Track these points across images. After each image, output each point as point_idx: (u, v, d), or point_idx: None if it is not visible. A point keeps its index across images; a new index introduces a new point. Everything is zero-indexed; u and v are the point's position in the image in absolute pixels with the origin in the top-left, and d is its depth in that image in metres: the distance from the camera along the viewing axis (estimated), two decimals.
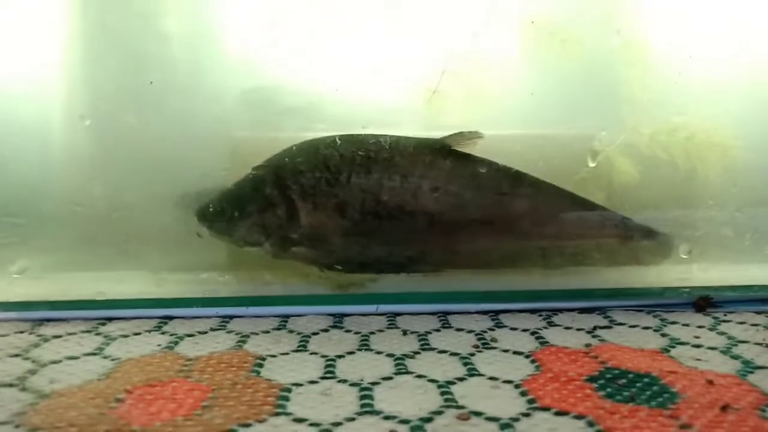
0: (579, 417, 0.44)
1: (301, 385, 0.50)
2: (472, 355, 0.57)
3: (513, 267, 0.73)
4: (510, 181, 0.71)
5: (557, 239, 0.72)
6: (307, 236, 0.68)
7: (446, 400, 0.47)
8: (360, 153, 0.68)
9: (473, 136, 0.68)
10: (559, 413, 0.45)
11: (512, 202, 0.71)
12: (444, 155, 0.69)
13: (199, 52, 0.80)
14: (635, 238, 0.73)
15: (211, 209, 0.70)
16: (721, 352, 0.57)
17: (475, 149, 0.69)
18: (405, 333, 0.63)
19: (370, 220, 0.68)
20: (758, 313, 0.68)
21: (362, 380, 0.51)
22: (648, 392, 0.48)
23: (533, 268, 0.73)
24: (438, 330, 0.63)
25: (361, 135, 0.70)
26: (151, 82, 0.73)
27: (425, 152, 0.69)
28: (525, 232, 0.72)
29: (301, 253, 0.70)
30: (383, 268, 0.71)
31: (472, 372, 0.53)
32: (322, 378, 0.51)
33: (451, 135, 0.69)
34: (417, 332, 0.63)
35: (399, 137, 0.70)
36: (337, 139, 0.69)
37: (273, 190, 0.68)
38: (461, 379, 0.51)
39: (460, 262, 0.73)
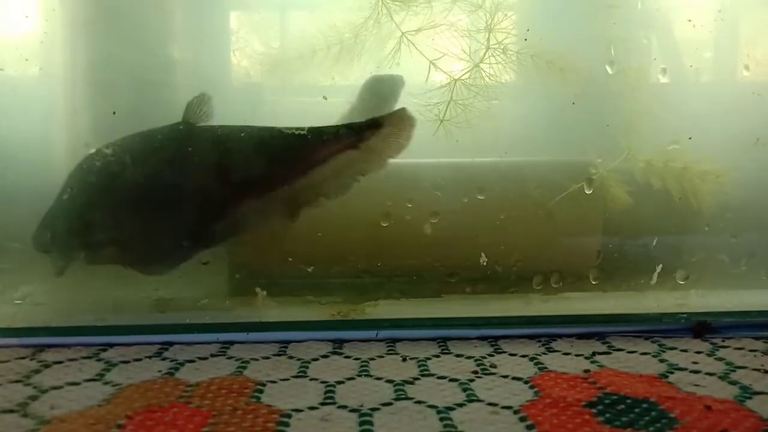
0: None
1: (301, 410, 0.50)
2: (472, 380, 0.57)
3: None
4: (248, 138, 0.72)
5: (305, 174, 0.72)
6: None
7: (446, 425, 0.47)
8: (114, 156, 0.70)
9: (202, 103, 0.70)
10: None
11: (260, 158, 0.72)
12: (188, 135, 0.71)
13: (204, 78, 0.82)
14: (365, 135, 0.72)
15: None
16: (720, 377, 0.57)
17: None
18: (404, 359, 0.63)
19: (144, 213, 0.71)
20: (756, 338, 0.68)
21: (362, 406, 0.51)
22: (647, 417, 0.48)
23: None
24: (437, 356, 0.64)
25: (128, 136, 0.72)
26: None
27: (173, 137, 0.71)
28: (279, 182, 0.72)
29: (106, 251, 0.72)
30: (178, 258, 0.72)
31: (472, 398, 0.53)
32: (322, 404, 0.52)
33: (187, 112, 0.71)
34: (416, 358, 0.63)
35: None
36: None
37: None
38: (461, 405, 0.51)
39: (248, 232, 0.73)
